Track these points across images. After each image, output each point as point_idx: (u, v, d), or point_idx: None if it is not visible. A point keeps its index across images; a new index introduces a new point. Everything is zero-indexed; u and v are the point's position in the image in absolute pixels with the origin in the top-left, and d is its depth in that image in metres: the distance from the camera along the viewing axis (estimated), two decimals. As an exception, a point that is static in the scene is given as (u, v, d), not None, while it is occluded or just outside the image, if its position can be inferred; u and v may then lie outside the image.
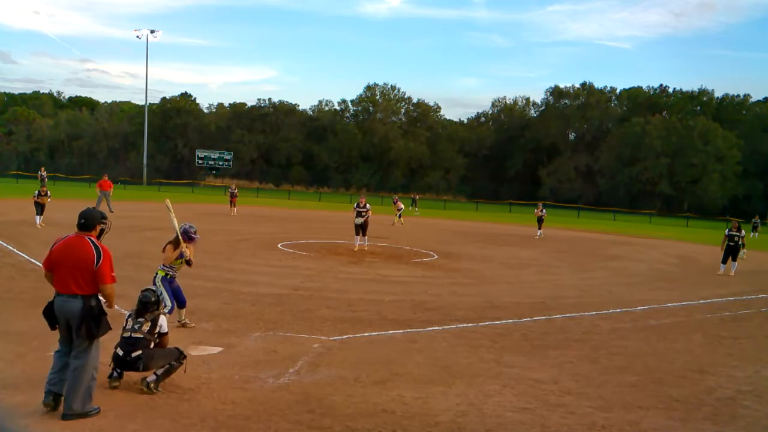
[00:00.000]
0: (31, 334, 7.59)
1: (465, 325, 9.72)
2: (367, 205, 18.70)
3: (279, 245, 18.76)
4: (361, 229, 18.45)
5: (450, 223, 35.96)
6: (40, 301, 9.28)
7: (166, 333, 6.29)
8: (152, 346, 6.10)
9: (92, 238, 5.45)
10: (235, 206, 30.91)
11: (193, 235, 8.63)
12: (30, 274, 11.90)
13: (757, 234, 36.41)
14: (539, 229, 27.95)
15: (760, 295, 14.42)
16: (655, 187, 70.26)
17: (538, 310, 11.18)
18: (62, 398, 5.39)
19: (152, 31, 66.15)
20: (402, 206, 32.51)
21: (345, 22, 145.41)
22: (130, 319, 6.21)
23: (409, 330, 9.21)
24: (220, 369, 6.85)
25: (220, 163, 75.95)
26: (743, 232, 18.47)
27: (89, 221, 5.49)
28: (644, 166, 70.45)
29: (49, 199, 21.03)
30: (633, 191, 72.09)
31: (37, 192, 20.91)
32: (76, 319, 5.28)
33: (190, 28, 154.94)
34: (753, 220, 38.64)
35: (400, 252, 19.35)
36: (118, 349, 6.04)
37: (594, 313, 11.28)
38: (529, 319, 10.35)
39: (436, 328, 9.44)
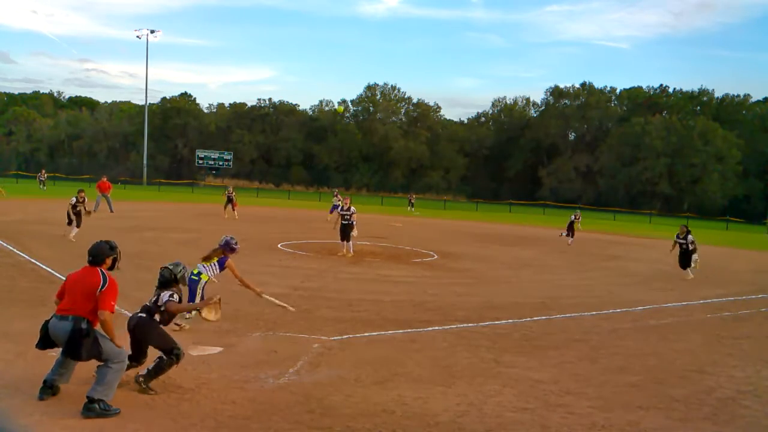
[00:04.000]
0: (31, 334, 7.53)
1: (465, 325, 9.72)
2: (352, 208, 17.47)
3: (279, 245, 18.77)
4: (343, 233, 17.29)
5: (450, 223, 35.95)
6: (40, 301, 9.31)
7: (168, 302, 6.19)
8: (156, 317, 6.13)
9: (102, 270, 5.71)
10: (234, 209, 28.57)
11: (235, 246, 8.96)
12: (30, 274, 11.91)
13: None
14: (569, 235, 25.44)
15: (760, 295, 14.41)
16: (655, 187, 70.25)
17: (538, 310, 11.18)
18: (58, 386, 5.68)
19: (152, 31, 66.22)
20: (340, 202, 30.07)
21: (343, 23, 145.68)
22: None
23: (409, 330, 9.21)
24: (220, 369, 6.85)
25: (220, 163, 75.94)
26: (691, 237, 17.07)
27: (97, 258, 5.76)
28: (644, 166, 70.45)
29: (88, 207, 17.88)
30: (633, 191, 72.07)
31: (74, 198, 17.15)
32: (64, 338, 5.48)
33: (188, 28, 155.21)
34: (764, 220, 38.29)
35: (400, 252, 19.35)
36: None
37: (594, 313, 11.28)
38: (529, 319, 10.34)
39: (436, 328, 9.44)
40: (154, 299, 6.26)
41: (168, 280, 6.36)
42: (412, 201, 46.80)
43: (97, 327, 5.57)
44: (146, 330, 6.05)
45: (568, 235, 25.47)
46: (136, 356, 6.05)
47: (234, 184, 32.53)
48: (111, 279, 5.64)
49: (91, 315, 5.50)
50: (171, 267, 6.43)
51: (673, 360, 8.34)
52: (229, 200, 29.30)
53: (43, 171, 50.53)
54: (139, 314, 6.13)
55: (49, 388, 5.62)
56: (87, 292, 5.51)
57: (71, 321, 5.45)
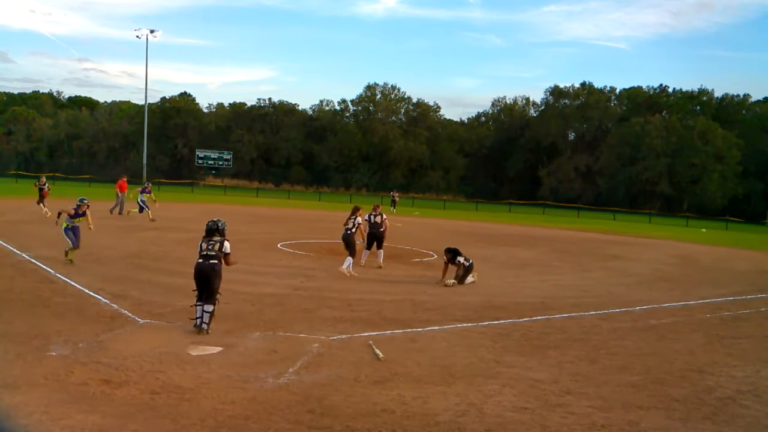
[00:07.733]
0: (31, 334, 7.60)
1: (465, 325, 9.72)
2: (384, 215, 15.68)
3: (279, 245, 18.75)
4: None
5: (450, 223, 35.93)
6: (40, 301, 9.32)
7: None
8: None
9: None
10: (42, 202, 24.05)
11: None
12: (30, 274, 11.90)
13: None
14: None
15: (760, 295, 14.40)
16: (655, 187, 70.20)
17: (538, 310, 11.17)
18: None
19: (152, 31, 66.14)
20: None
21: (342, 23, 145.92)
22: None
23: (409, 330, 9.20)
24: (220, 369, 6.85)
25: (220, 162, 75.95)
26: None
27: None
28: (644, 166, 70.38)
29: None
30: (633, 191, 72.04)
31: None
32: None
33: (188, 28, 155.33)
34: None
35: (400, 252, 19.32)
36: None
37: (594, 313, 11.27)
38: (529, 319, 10.34)
39: (436, 328, 9.44)
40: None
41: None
42: (396, 200, 43.20)
43: None
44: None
45: None
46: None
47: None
48: None
49: None
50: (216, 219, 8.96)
51: (673, 360, 8.33)
52: (41, 191, 24.51)
53: None
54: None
55: None
56: None
57: None
